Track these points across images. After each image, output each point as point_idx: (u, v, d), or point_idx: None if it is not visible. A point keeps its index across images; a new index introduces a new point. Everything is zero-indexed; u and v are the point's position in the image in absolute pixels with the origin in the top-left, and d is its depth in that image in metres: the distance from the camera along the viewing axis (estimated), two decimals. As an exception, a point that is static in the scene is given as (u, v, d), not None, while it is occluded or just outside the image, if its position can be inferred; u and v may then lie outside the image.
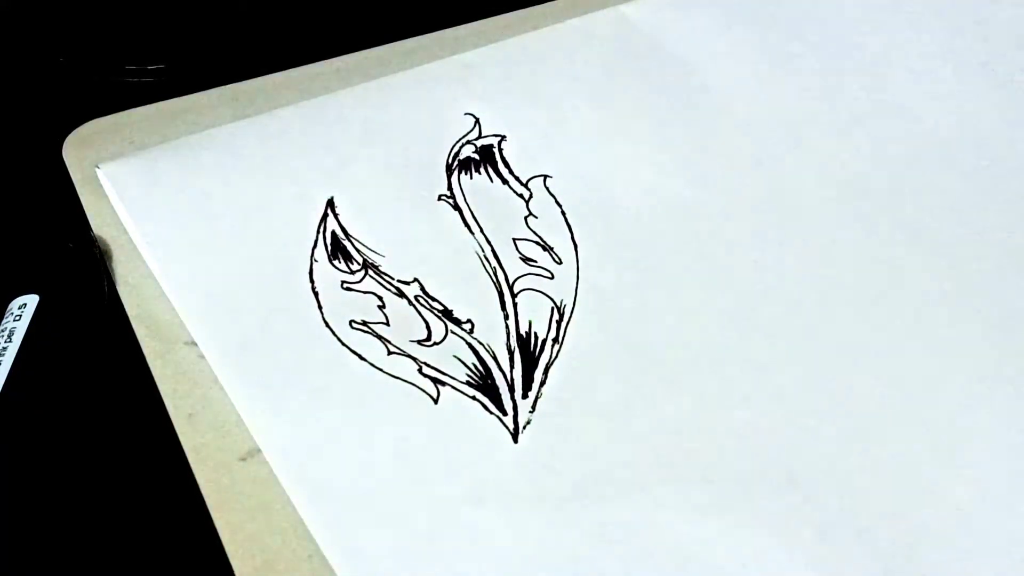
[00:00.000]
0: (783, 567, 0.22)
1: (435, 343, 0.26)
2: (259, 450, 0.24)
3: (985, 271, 0.28)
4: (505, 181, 0.31)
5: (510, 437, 0.24)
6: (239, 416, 0.25)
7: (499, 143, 0.32)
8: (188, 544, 0.23)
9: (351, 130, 0.32)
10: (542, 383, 0.25)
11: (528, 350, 0.26)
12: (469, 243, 0.29)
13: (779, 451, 0.24)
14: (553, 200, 0.30)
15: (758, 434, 0.24)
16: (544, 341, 0.26)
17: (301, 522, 0.23)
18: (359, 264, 0.28)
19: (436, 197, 0.30)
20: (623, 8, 0.36)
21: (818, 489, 0.23)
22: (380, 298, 0.28)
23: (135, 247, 0.29)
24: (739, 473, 0.23)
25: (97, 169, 0.31)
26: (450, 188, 0.31)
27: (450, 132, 0.32)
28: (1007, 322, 0.26)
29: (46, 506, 0.23)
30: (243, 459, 0.24)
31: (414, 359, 0.26)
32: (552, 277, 0.28)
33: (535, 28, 0.36)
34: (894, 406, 0.25)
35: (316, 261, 0.28)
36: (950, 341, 0.26)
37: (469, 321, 0.27)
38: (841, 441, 0.24)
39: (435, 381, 0.25)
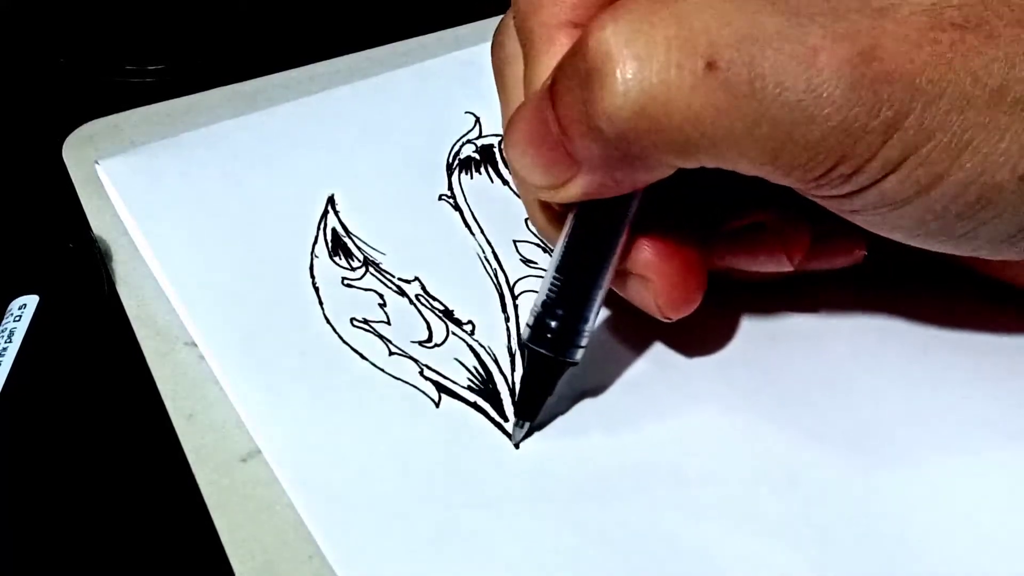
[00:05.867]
0: (784, 569, 0.22)
1: (436, 345, 0.26)
2: (259, 451, 0.24)
3: None
4: (506, 182, 0.31)
5: (510, 441, 0.24)
6: (239, 416, 0.25)
7: (500, 143, 0.32)
8: (188, 544, 0.23)
9: (352, 127, 0.32)
10: None
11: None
12: (470, 244, 0.29)
13: (780, 453, 0.24)
14: None
15: (760, 435, 0.24)
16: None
17: (301, 522, 0.23)
18: (360, 261, 0.28)
19: (436, 197, 0.30)
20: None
21: (819, 490, 0.23)
22: (381, 296, 0.28)
23: (135, 247, 0.29)
24: (740, 475, 0.23)
25: (96, 165, 0.31)
26: (450, 188, 0.31)
27: (450, 131, 0.32)
28: (1008, 323, 0.26)
29: (46, 506, 0.23)
30: (243, 460, 0.24)
31: (416, 361, 0.26)
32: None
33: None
34: (896, 407, 0.25)
35: (317, 257, 0.28)
36: (953, 341, 0.26)
37: (470, 322, 0.27)
38: (842, 442, 0.24)
39: (437, 385, 0.25)
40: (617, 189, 0.22)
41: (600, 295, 0.24)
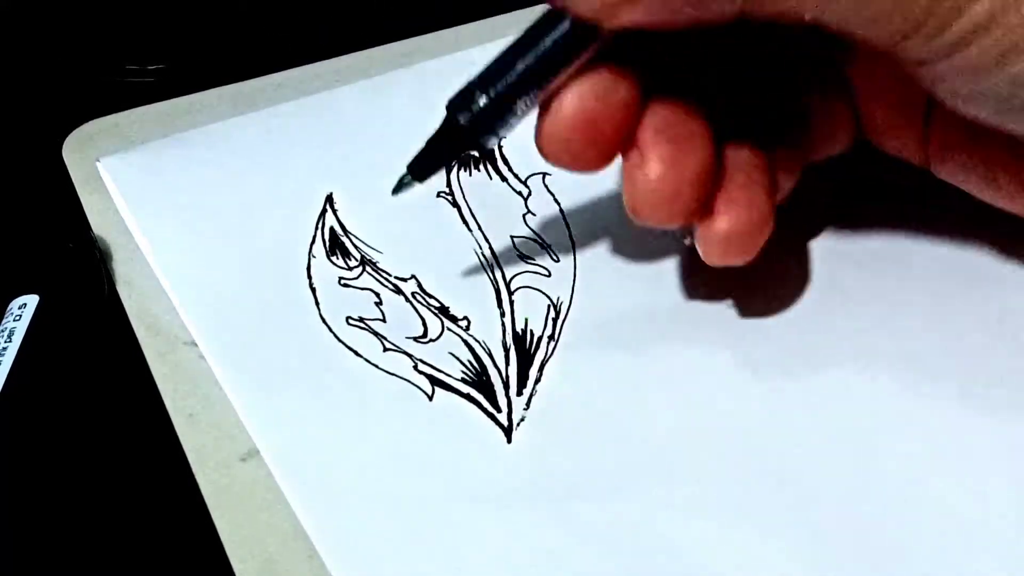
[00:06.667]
0: (777, 567, 0.21)
1: (431, 340, 0.26)
2: (259, 450, 0.24)
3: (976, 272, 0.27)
4: (504, 178, 0.31)
5: (504, 434, 0.24)
6: (239, 416, 0.25)
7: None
8: (188, 544, 0.23)
9: (351, 126, 0.32)
10: (537, 380, 0.25)
11: (524, 347, 0.26)
12: (467, 240, 0.29)
13: (774, 451, 0.24)
14: (552, 198, 0.30)
15: (753, 434, 0.24)
16: (540, 338, 0.26)
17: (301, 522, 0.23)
18: (357, 260, 0.28)
19: (435, 194, 0.30)
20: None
21: (812, 489, 0.23)
22: (377, 295, 0.28)
23: (135, 247, 0.29)
24: (734, 473, 0.23)
25: (97, 163, 0.31)
26: (449, 185, 0.31)
27: (450, 129, 0.32)
28: (1004, 323, 0.26)
29: (46, 506, 0.23)
30: (243, 459, 0.24)
31: (409, 356, 0.26)
32: (549, 275, 0.28)
33: (536, 27, 0.36)
34: (890, 406, 0.24)
35: (314, 257, 0.28)
36: (949, 343, 0.26)
37: (466, 318, 0.27)
38: (835, 441, 0.24)
39: (430, 378, 0.25)
40: (674, 18, 0.21)
41: (536, 97, 0.23)
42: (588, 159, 0.23)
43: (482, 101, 0.23)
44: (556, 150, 0.23)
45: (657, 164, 0.23)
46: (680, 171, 0.23)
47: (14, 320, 0.26)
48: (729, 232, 0.24)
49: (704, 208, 0.24)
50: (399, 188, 0.25)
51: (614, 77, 0.23)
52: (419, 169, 0.25)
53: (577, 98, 0.22)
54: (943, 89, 0.21)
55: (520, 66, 0.23)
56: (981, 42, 0.19)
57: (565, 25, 0.22)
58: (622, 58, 0.23)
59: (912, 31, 0.19)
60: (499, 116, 0.23)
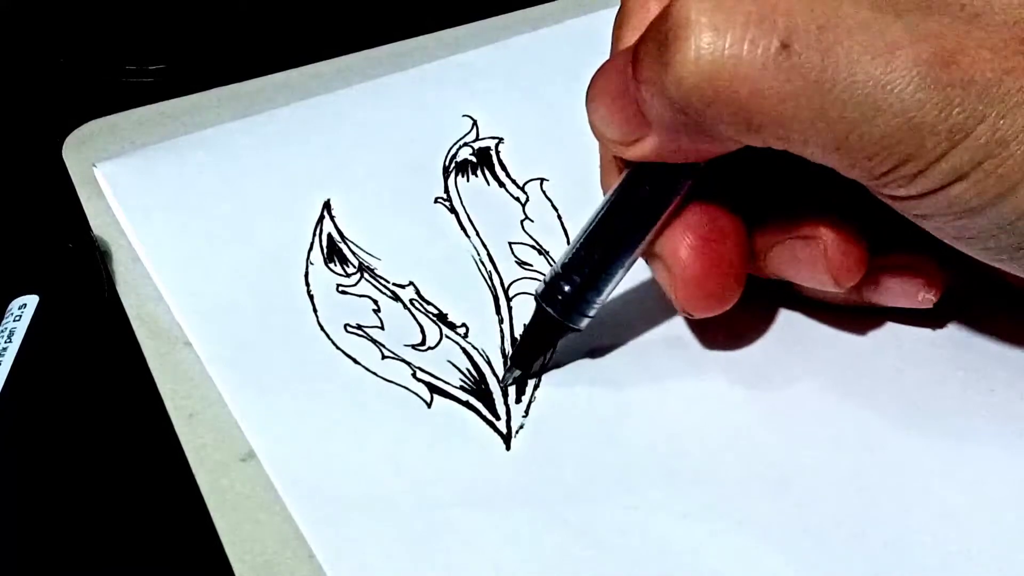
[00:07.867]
0: (774, 571, 0.22)
1: (429, 347, 0.26)
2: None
3: None
4: (502, 184, 0.31)
5: (503, 442, 0.24)
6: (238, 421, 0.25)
7: (496, 145, 0.32)
8: (188, 544, 0.23)
9: (349, 131, 0.32)
10: (536, 387, 0.26)
11: (522, 354, 0.26)
12: (465, 247, 0.29)
13: (772, 456, 0.24)
14: (550, 204, 0.30)
15: (752, 440, 0.24)
16: (538, 345, 0.27)
17: (300, 522, 0.23)
18: (355, 267, 0.28)
19: (433, 200, 0.30)
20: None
21: (810, 492, 0.23)
22: (375, 301, 0.28)
23: (135, 247, 0.29)
24: (731, 477, 0.23)
25: (94, 167, 0.31)
26: (447, 191, 0.31)
27: (448, 134, 0.32)
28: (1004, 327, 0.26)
29: (46, 506, 0.24)
30: (243, 460, 0.24)
31: (408, 363, 0.26)
32: (548, 281, 0.28)
33: (535, 28, 0.36)
34: (887, 408, 0.25)
35: (312, 264, 0.28)
36: (943, 344, 0.26)
37: (464, 325, 0.27)
38: (833, 444, 0.24)
39: (429, 386, 0.26)
40: (684, 156, 0.22)
41: (620, 274, 0.24)
42: (726, 289, 0.24)
43: (567, 289, 0.24)
44: (696, 299, 0.24)
45: (849, 278, 0.23)
46: (856, 246, 0.23)
47: (14, 320, 0.26)
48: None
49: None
50: (506, 380, 0.26)
51: (710, 212, 0.24)
52: (521, 360, 0.25)
53: (689, 247, 0.23)
54: (927, 225, 0.21)
55: (596, 245, 0.24)
56: (961, 187, 0.19)
57: (639, 200, 0.23)
58: (707, 196, 0.23)
59: (891, 172, 0.19)
60: (586, 297, 0.24)
